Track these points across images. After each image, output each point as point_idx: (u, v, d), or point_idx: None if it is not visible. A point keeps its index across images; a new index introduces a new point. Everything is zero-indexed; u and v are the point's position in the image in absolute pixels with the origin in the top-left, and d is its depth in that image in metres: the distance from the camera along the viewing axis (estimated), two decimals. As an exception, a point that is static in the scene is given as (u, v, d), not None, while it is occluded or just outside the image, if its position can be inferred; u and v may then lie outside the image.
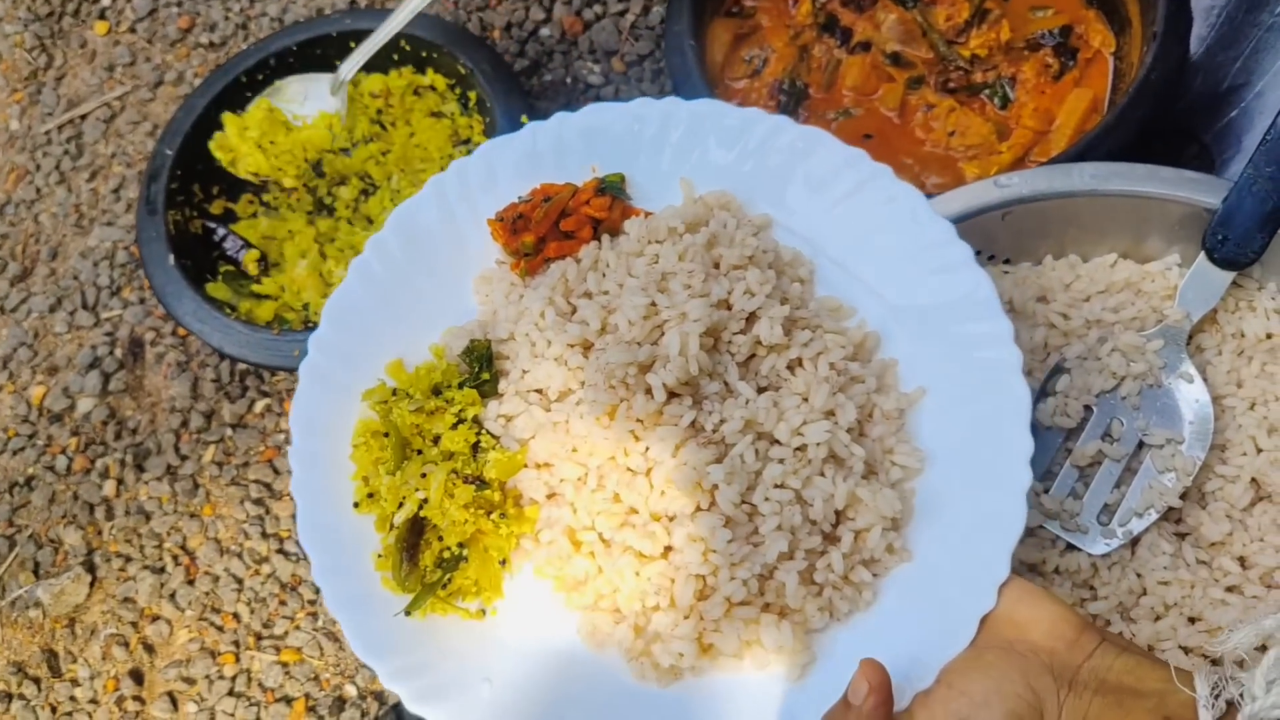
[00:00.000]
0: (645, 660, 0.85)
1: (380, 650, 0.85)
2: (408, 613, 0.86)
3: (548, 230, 0.96)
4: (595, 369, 0.87)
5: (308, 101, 1.56)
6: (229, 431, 1.53)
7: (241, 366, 1.57)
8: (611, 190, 0.98)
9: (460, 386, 0.90)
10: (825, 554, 0.85)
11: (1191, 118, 1.33)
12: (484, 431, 0.89)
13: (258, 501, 1.48)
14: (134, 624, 1.44)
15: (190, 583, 1.45)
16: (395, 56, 1.55)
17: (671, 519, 0.86)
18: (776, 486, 0.85)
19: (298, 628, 1.41)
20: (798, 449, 0.87)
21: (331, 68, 1.56)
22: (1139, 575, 1.03)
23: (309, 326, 1.40)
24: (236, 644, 1.42)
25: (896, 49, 1.39)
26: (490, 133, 1.43)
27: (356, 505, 0.90)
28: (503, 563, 0.87)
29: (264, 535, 1.46)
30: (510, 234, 0.96)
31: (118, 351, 1.62)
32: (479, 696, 0.85)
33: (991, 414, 0.87)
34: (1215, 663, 0.78)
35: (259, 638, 1.42)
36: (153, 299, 1.61)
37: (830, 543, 0.86)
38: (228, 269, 1.50)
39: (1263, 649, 0.76)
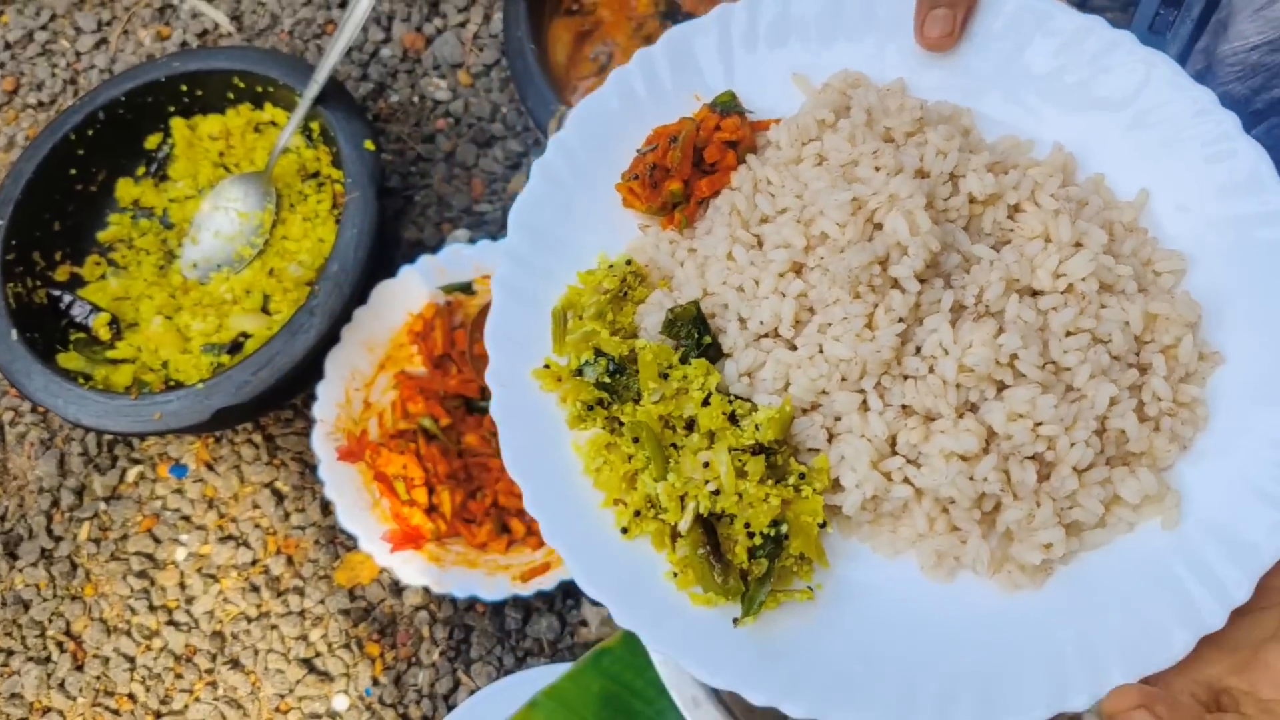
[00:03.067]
0: (1011, 568, 0.75)
1: (742, 675, 0.72)
2: (743, 618, 0.74)
3: (690, 171, 0.85)
4: (833, 284, 0.77)
5: (248, 198, 1.44)
6: (103, 505, 1.46)
7: (109, 436, 1.49)
8: (730, 110, 0.88)
9: (684, 361, 0.78)
10: (1145, 385, 0.77)
11: None
12: (734, 398, 0.78)
13: (141, 574, 1.41)
14: (24, 720, 1.35)
15: (79, 668, 1.38)
16: (230, 95, 1.48)
17: (975, 409, 0.76)
18: (1069, 334, 0.77)
19: (197, 699, 1.35)
20: (1065, 291, 0.78)
21: (163, 115, 1.49)
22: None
23: (170, 386, 1.33)
24: (136, 725, 1.34)
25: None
26: (338, 163, 1.36)
27: (625, 532, 0.77)
28: (823, 525, 0.75)
29: (151, 608, 1.39)
30: (651, 189, 0.85)
31: (-25, 438, 1.52)
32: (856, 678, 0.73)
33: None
34: None
35: (158, 715, 1.35)
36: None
37: (1143, 372, 0.78)
38: (79, 336, 1.40)
39: None
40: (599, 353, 0.79)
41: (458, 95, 1.62)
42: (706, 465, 0.74)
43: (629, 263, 0.84)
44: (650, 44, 1.31)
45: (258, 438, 1.45)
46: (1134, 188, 0.84)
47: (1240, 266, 0.79)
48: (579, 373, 0.79)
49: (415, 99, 1.63)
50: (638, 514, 0.77)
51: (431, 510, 1.29)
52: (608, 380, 0.78)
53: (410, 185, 1.57)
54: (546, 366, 0.81)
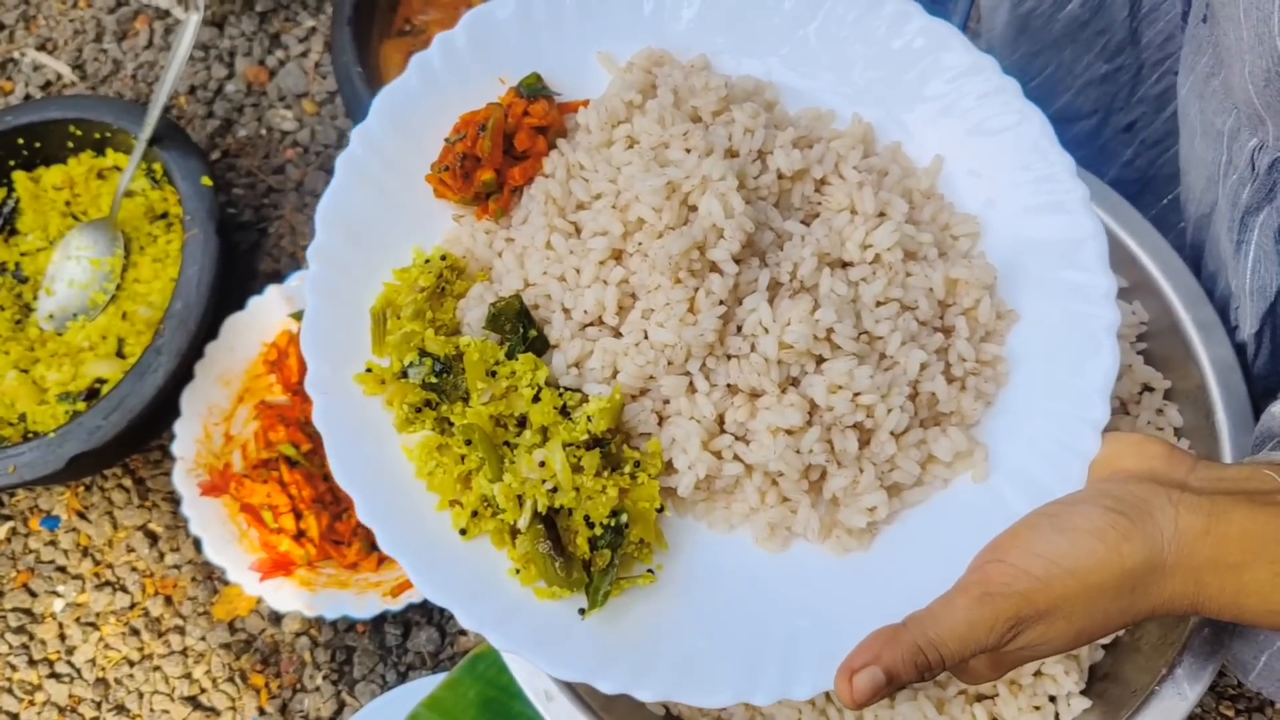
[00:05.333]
0: (840, 532, 0.79)
1: (591, 667, 0.73)
2: (589, 609, 0.75)
3: (501, 159, 0.84)
4: (654, 270, 0.78)
5: (97, 245, 1.41)
6: (-25, 565, 1.43)
7: (-29, 495, 1.45)
8: (537, 93, 0.86)
9: (511, 356, 0.78)
10: (950, 347, 0.81)
11: None
12: (564, 390, 0.78)
13: (19, 630, 1.38)
14: (-92, 796, 1.32)
15: (-40, 731, 1.35)
16: (70, 144, 1.46)
17: (796, 383, 0.79)
18: (880, 304, 0.80)
19: (86, 751, 1.35)
20: (873, 261, 0.81)
21: (4, 170, 1.45)
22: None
23: (29, 437, 1.31)
24: (26, 784, 1.32)
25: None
26: (184, 202, 1.36)
27: (464, 533, 0.77)
28: (660, 509, 0.77)
29: (31, 663, 1.37)
30: (463, 180, 0.83)
31: None
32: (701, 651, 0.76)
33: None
34: None
35: (47, 770, 1.34)
36: None
37: (947, 335, 0.82)
38: (-70, 398, 1.36)
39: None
40: (423, 353, 0.77)
41: (304, 124, 1.63)
42: (542, 464, 0.74)
43: (444, 257, 0.83)
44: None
45: (128, 481, 1.42)
46: (929, 153, 0.87)
47: (1026, 226, 0.84)
48: (403, 375, 0.78)
49: (263, 131, 1.63)
50: (475, 514, 0.76)
51: (300, 535, 1.28)
52: (434, 381, 0.77)
53: (263, 217, 1.56)
54: (368, 370, 0.79)
